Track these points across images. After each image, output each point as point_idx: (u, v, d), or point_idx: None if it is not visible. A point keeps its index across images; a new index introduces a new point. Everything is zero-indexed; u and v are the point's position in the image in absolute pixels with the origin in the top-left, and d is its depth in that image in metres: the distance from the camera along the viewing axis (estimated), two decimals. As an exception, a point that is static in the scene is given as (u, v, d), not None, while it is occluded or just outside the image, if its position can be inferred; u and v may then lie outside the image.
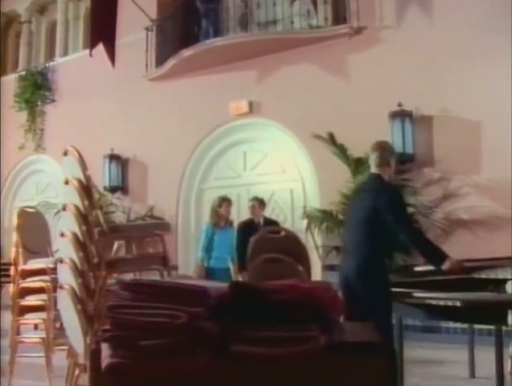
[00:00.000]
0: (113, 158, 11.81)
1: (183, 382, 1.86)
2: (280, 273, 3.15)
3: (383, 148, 4.53)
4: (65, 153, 3.64)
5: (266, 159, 10.61)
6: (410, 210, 8.45)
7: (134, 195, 11.77)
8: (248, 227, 7.53)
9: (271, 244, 3.62)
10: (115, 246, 5.64)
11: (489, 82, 8.34)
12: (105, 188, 11.80)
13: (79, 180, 3.47)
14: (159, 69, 11.28)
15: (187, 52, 10.47)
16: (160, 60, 11.28)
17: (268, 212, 10.26)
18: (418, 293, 4.32)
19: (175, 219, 11.14)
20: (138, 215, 11.29)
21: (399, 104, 8.76)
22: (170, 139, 11.19)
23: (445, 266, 4.19)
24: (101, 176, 11.77)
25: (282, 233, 3.67)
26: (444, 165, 8.64)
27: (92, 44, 9.88)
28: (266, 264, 3.50)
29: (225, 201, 8.05)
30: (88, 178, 3.49)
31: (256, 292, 1.94)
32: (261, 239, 3.75)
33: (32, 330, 6.07)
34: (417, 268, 5.09)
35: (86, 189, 3.46)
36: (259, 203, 8.25)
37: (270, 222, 8.13)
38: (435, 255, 4.31)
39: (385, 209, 4.13)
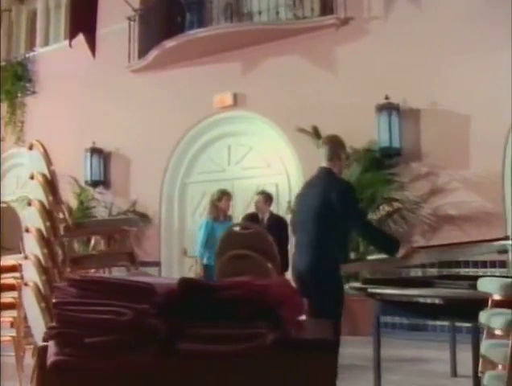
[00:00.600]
0: (95, 151, 11.82)
1: (129, 380, 1.89)
2: (248, 270, 3.18)
3: (333, 142, 4.67)
4: (30, 148, 3.67)
5: (250, 153, 10.64)
6: (396, 205, 8.60)
7: (117, 189, 11.79)
8: (251, 221, 7.43)
9: (239, 241, 3.65)
10: (92, 241, 5.67)
11: (478, 75, 8.38)
12: (86, 182, 11.84)
13: (43, 175, 3.49)
14: (142, 60, 11.28)
15: (169, 43, 10.48)
16: (143, 51, 11.28)
17: (252, 207, 10.33)
18: (392, 290, 4.40)
19: (158, 215, 11.21)
20: (121, 210, 11.33)
21: (386, 97, 8.79)
22: (153, 132, 11.21)
23: (401, 254, 4.34)
24: (83, 170, 11.81)
25: (251, 230, 3.71)
26: (432, 159, 8.69)
27: (71, 35, 9.87)
28: (233, 260, 3.53)
29: (225, 195, 7.99)
30: (52, 173, 3.51)
31: (204, 288, 1.98)
32: (228, 235, 3.79)
33: (9, 328, 6.08)
34: (369, 257, 5.18)
35: (51, 184, 3.48)
36: (265, 197, 8.16)
37: (275, 218, 8.08)
38: (390, 244, 4.46)
39: (336, 204, 4.26)
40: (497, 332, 3.00)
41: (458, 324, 5.78)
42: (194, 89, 10.75)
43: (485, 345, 3.19)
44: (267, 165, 10.45)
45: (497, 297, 2.99)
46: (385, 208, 8.61)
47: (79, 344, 1.88)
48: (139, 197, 11.28)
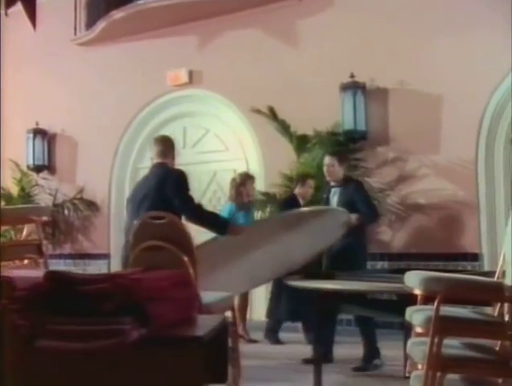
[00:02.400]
0: (38, 132, 11.77)
1: (-15, 379, 1.97)
2: (162, 263, 3.25)
3: (167, 141, 5.76)
4: None
5: (207, 136, 10.68)
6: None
7: (62, 174, 11.79)
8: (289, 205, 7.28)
9: (153, 231, 3.73)
10: (25, 231, 5.72)
11: (451, 53, 8.44)
12: (28, 167, 11.80)
13: None
14: (89, 32, 11.24)
15: (117, 14, 10.44)
16: (91, 22, 11.22)
17: (209, 194, 10.39)
18: (332, 285, 4.51)
19: (108, 202, 11.23)
20: (66, 198, 11.37)
21: (351, 75, 8.83)
22: (102, 112, 11.19)
23: (230, 232, 5.28)
24: (25, 153, 11.78)
25: (166, 219, 3.79)
26: (400, 144, 8.77)
27: (8, 2, 9.81)
28: (146, 252, 3.61)
29: (249, 178, 8.10)
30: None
31: (69, 282, 2.06)
32: (142, 225, 3.86)
33: None
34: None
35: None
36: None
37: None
38: (219, 224, 5.41)
39: (168, 189, 5.13)
40: (418, 329, 3.11)
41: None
42: (146, 65, 10.75)
43: (409, 343, 3.30)
44: (225, 149, 10.50)
45: (417, 291, 3.09)
46: (348, 196, 8.69)
47: None
48: (87, 183, 11.29)
